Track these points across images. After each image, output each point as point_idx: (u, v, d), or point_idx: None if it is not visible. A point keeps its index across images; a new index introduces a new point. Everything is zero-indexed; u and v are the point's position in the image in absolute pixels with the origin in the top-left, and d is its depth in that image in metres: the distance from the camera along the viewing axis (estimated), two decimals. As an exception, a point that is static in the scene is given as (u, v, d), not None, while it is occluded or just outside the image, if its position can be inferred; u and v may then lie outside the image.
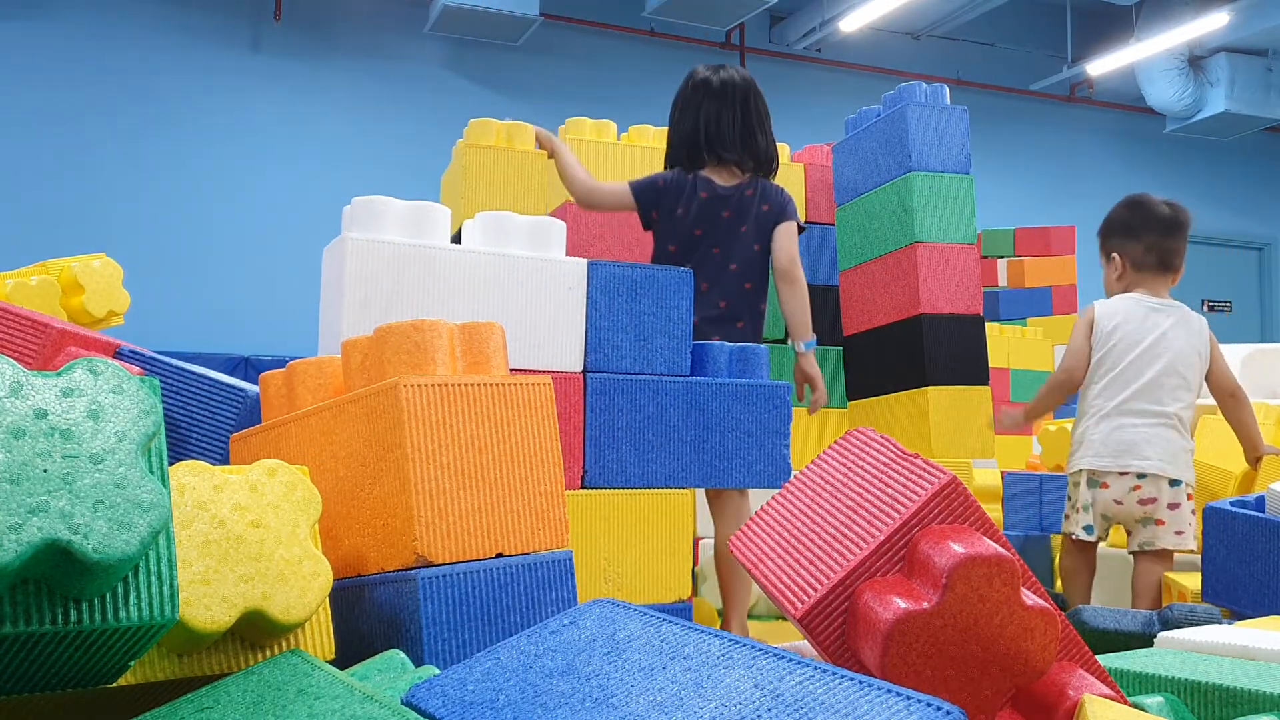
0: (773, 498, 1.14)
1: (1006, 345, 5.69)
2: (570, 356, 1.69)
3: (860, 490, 1.04)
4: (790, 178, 3.41)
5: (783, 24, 9.61)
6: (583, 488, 1.67)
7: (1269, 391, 3.02)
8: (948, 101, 2.95)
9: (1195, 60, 9.76)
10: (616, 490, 1.72)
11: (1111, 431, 2.72)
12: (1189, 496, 2.68)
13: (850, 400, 3.22)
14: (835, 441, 1.14)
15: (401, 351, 1.15)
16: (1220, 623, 1.73)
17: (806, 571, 1.02)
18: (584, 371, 1.74)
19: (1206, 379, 2.84)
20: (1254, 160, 11.34)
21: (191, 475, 0.95)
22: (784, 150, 3.48)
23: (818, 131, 8.02)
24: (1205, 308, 10.99)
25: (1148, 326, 2.80)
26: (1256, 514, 1.92)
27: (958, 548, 0.94)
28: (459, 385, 1.15)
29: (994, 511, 3.48)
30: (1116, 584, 2.84)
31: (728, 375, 1.83)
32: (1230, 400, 2.81)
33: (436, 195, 3.66)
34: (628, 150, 3.20)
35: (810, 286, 3.39)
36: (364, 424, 1.15)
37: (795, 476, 1.15)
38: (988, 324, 3.79)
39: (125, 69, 7.78)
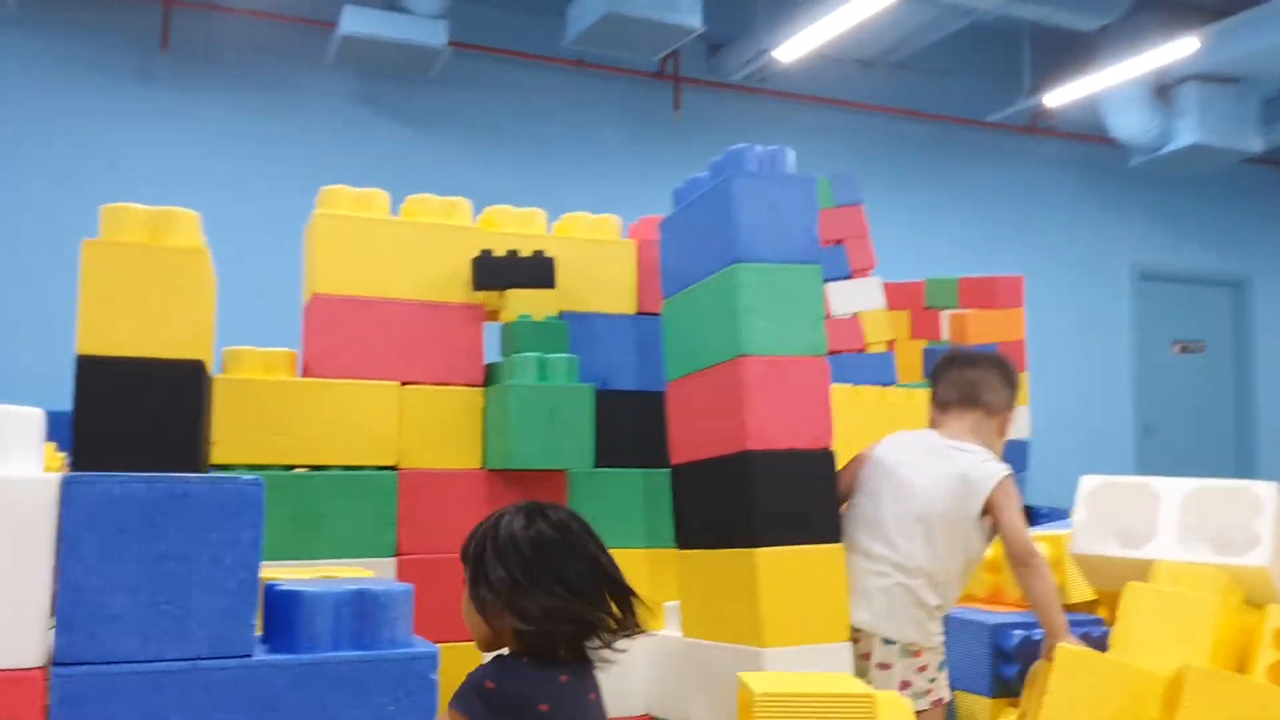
0: None
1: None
2: (23, 644, 1.00)
3: None
4: (620, 259, 2.72)
5: (721, 52, 8.94)
6: None
7: (1211, 539, 2.32)
8: (791, 166, 2.26)
9: (1163, 89, 9.11)
10: None
11: (851, 576, 2.36)
12: (915, 654, 2.35)
13: (681, 548, 2.50)
14: None
15: None
16: None
17: None
18: (49, 665, 1.02)
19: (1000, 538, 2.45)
20: (1227, 195, 10.67)
21: None
22: (615, 223, 2.80)
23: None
24: (1177, 349, 10.32)
25: (915, 468, 2.46)
26: None
27: None
28: None
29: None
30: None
31: (331, 647, 1.15)
32: (1020, 570, 2.37)
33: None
34: (399, 228, 2.50)
35: (641, 394, 2.72)
36: None
37: None
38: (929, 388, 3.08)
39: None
